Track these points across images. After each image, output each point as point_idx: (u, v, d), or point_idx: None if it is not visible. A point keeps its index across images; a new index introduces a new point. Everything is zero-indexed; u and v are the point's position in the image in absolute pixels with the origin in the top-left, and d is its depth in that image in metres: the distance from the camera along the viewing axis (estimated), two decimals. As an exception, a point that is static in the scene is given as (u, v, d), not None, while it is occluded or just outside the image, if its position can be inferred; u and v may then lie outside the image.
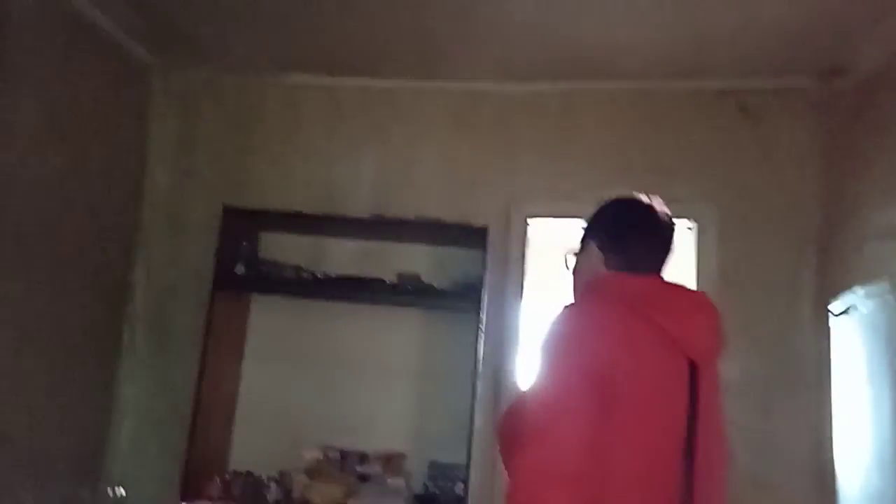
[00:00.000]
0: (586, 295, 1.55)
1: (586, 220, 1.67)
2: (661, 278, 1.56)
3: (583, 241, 1.65)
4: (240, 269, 3.35)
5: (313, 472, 3.09)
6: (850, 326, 1.89)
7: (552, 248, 3.54)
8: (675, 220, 1.61)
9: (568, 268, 1.67)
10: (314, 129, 3.74)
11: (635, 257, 1.55)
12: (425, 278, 3.36)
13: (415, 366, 3.44)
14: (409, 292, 3.31)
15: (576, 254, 1.66)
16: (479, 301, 3.18)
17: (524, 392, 1.43)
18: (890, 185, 2.71)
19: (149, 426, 3.53)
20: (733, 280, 3.24)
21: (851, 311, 1.88)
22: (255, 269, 3.41)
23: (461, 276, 3.34)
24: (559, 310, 1.44)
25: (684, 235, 3.36)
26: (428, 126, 3.67)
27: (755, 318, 3.21)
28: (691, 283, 3.27)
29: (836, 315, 1.97)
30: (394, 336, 3.47)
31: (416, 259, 3.50)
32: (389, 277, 3.36)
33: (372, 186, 3.60)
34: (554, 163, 3.52)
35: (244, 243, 3.46)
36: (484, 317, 3.20)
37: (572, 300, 1.60)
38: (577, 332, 1.39)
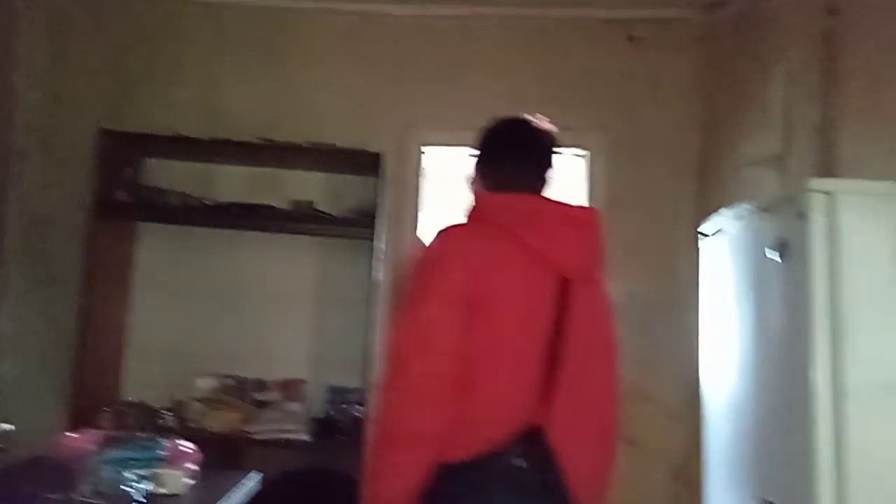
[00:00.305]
0: (466, 218, 1.57)
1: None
2: (540, 196, 1.58)
3: (472, 160, 1.66)
4: (122, 195, 3.20)
5: (209, 400, 3.06)
6: (718, 247, 2.01)
7: (448, 176, 3.58)
8: (556, 138, 1.63)
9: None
10: (199, 50, 3.56)
11: (510, 175, 1.58)
12: (319, 205, 3.32)
13: (310, 293, 3.43)
14: (302, 219, 3.27)
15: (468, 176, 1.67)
16: (373, 228, 3.17)
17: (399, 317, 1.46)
18: (763, 117, 2.86)
19: (34, 361, 3.36)
20: (621, 205, 3.37)
21: (720, 233, 2.00)
22: (139, 197, 3.26)
23: (356, 203, 3.31)
24: (432, 235, 1.49)
25: (576, 163, 3.45)
26: (320, 48, 3.55)
27: (640, 242, 3.37)
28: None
29: (707, 236, 2.10)
30: (288, 264, 3.43)
31: (310, 186, 3.44)
32: (282, 204, 3.29)
33: (262, 110, 3.48)
34: (449, 90, 3.50)
35: (126, 169, 3.29)
36: (380, 244, 3.20)
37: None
38: (440, 257, 1.45)
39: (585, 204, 3.39)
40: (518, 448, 1.38)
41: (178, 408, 3.08)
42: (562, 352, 1.44)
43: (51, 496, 1.51)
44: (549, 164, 1.62)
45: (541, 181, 1.61)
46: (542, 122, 1.65)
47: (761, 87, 2.89)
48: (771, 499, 1.63)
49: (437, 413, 1.37)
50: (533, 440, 1.39)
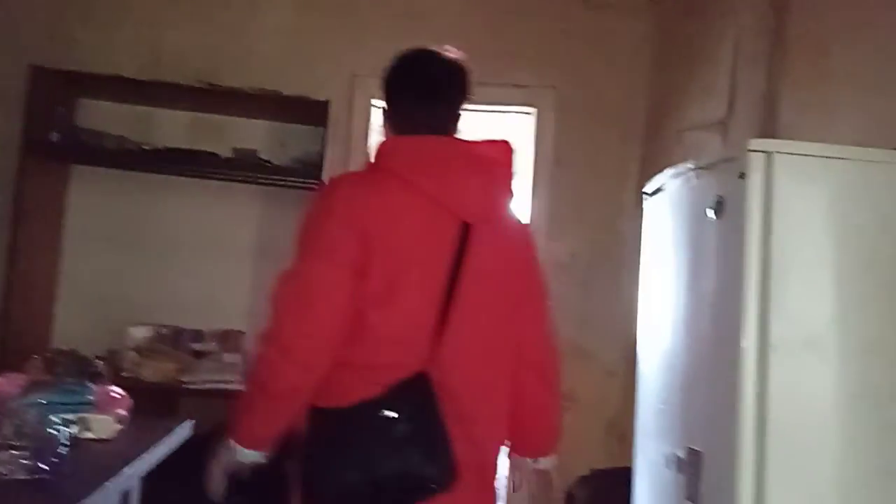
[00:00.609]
0: (367, 166, 1.50)
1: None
2: (445, 137, 1.49)
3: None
4: (54, 136, 3.07)
5: (144, 349, 2.99)
6: (659, 206, 2.04)
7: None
8: (466, 70, 1.52)
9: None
10: (141, -13, 3.41)
11: (412, 116, 1.49)
12: (263, 154, 3.24)
13: (252, 243, 3.36)
14: (244, 168, 3.19)
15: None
16: (319, 179, 3.11)
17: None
18: (708, 82, 2.88)
19: (-44, 307, 3.24)
20: (567, 164, 3.38)
21: (661, 192, 2.02)
22: (73, 138, 3.14)
23: (301, 153, 3.25)
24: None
25: (524, 120, 3.44)
26: (268, -8, 3.44)
27: (585, 201, 3.40)
28: (528, 166, 3.38)
29: (648, 195, 2.12)
30: (229, 213, 3.35)
31: (254, 133, 3.36)
32: (224, 152, 3.20)
33: (205, 54, 3.36)
34: (399, 41, 3.39)
35: (59, 109, 3.15)
36: (324, 195, 3.14)
37: None
38: (326, 211, 1.40)
39: (531, 159, 3.39)
40: (393, 398, 1.35)
41: (111, 357, 3.01)
42: (456, 296, 1.40)
43: (-30, 437, 1.45)
44: (456, 100, 1.52)
45: (450, 120, 1.51)
46: (449, 53, 1.54)
47: (709, 52, 2.91)
48: (696, 447, 1.67)
49: (308, 372, 1.36)
50: (413, 388, 1.36)
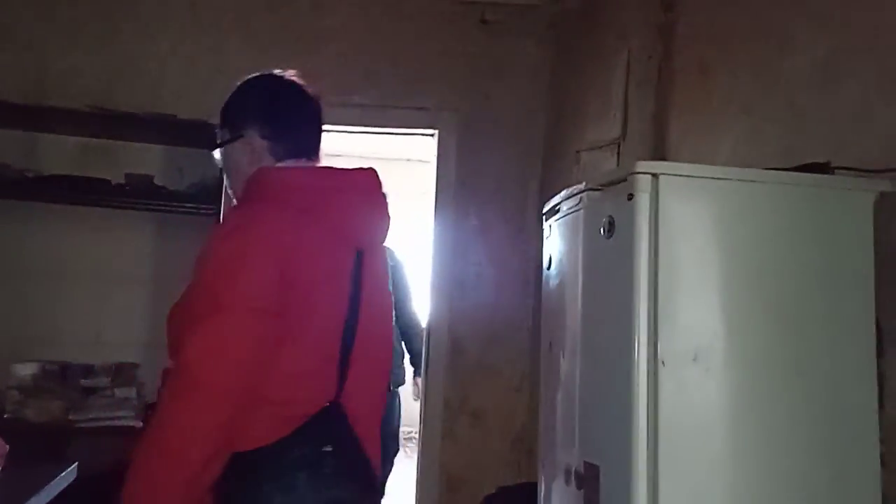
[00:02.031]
0: (254, 196, 1.41)
1: (232, 104, 1.54)
2: (326, 165, 1.51)
3: (233, 128, 1.49)
4: (-71, 165, 2.88)
5: (28, 388, 2.81)
6: (555, 225, 2.08)
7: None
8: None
9: (218, 164, 1.53)
10: (22, 7, 3.25)
11: (300, 142, 1.48)
12: (158, 180, 3.13)
13: (146, 272, 3.24)
14: (139, 195, 3.07)
15: (221, 143, 1.50)
16: (218, 205, 3.03)
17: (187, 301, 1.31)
18: (603, 103, 2.98)
19: None
20: (471, 186, 3.42)
21: (557, 212, 2.06)
22: (-51, 165, 2.95)
23: (198, 178, 3.15)
24: (224, 220, 1.42)
25: (426, 142, 3.46)
26: (162, 14, 3.34)
27: (489, 223, 3.44)
28: (431, 188, 3.41)
29: (546, 215, 2.16)
30: (122, 241, 3.23)
31: (148, 159, 3.25)
32: (117, 178, 3.08)
33: (95, 77, 3.24)
34: (302, 63, 3.37)
35: (-68, 135, 2.96)
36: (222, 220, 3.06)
37: (235, 203, 1.50)
38: (244, 251, 1.29)
39: (433, 181, 3.41)
40: (314, 431, 1.32)
41: (-8, 397, 2.82)
42: (355, 325, 1.40)
43: None
44: (322, 128, 1.54)
45: (319, 146, 1.53)
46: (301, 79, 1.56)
47: (604, 75, 3.01)
48: (593, 461, 1.70)
49: (223, 416, 1.25)
50: (331, 419, 1.35)
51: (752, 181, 1.72)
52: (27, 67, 3.21)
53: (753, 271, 1.67)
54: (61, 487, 1.79)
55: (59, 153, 3.18)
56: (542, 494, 2.04)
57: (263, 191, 1.40)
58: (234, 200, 1.52)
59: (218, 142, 1.51)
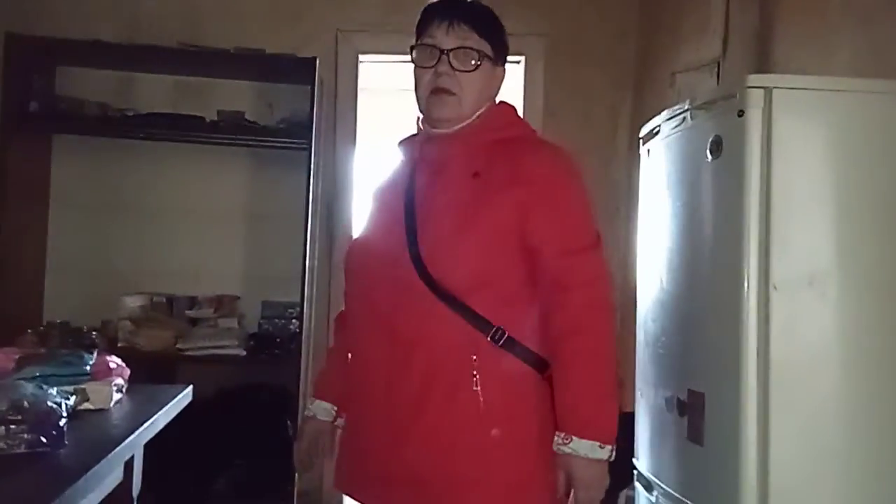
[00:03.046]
0: (529, 132, 1.54)
1: (501, 30, 1.47)
2: None
3: (500, 53, 1.47)
4: (33, 106, 3.00)
5: (139, 319, 2.97)
6: (654, 149, 2.00)
7: (387, 90, 3.46)
8: None
9: (467, 65, 1.41)
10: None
11: None
12: (249, 115, 3.18)
13: (242, 207, 3.32)
14: (231, 130, 3.13)
15: (479, 61, 1.42)
16: (309, 139, 3.06)
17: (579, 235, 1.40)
18: (700, 22, 2.82)
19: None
20: (558, 113, 3.33)
21: (657, 135, 1.98)
22: (53, 107, 3.06)
23: (289, 113, 3.18)
24: (558, 150, 1.49)
25: (512, 69, 3.37)
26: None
27: (577, 150, 3.32)
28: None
29: (643, 139, 2.08)
30: (218, 177, 3.31)
31: (239, 95, 3.29)
32: (209, 115, 3.14)
33: (185, 14, 3.27)
34: (384, -2, 3.34)
35: (38, 78, 3.07)
36: (314, 156, 3.09)
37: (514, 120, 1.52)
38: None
39: (521, 108, 3.34)
40: None
41: (105, 327, 2.99)
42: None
43: (-35, 413, 1.43)
44: None
45: None
46: None
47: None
48: (698, 388, 1.67)
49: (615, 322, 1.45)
50: None
51: (873, 92, 1.60)
52: (121, 7, 3.27)
53: (872, 190, 1.57)
54: (182, 406, 1.89)
55: (154, 91, 3.25)
56: (641, 423, 2.03)
57: (529, 128, 1.56)
58: (450, 120, 1.44)
59: (488, 57, 1.43)
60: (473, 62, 1.41)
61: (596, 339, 1.35)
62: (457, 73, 1.40)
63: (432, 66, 1.42)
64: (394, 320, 1.38)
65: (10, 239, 2.95)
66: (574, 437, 1.30)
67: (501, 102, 1.52)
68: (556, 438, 1.32)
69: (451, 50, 1.40)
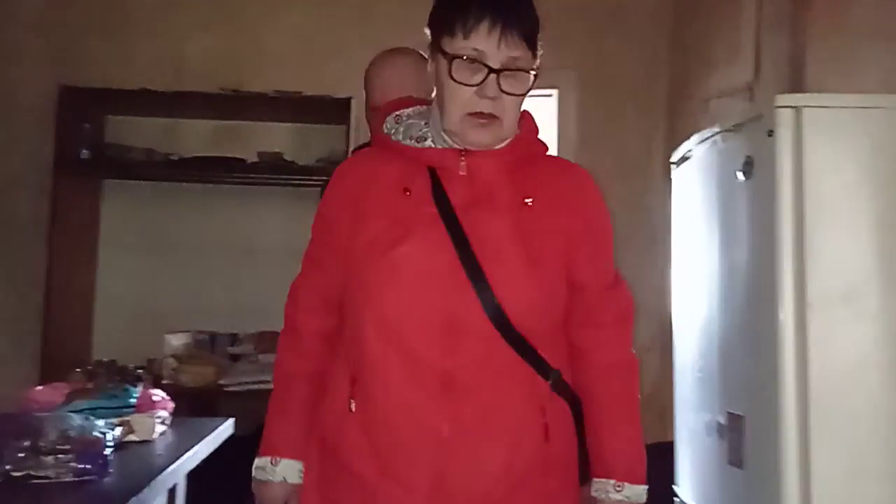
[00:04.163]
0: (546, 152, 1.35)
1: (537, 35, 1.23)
2: None
3: (535, 62, 1.23)
4: (84, 153, 3.13)
5: (182, 356, 3.03)
6: (687, 173, 2.00)
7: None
8: None
9: (519, 88, 1.19)
10: (154, 1, 3.46)
11: None
12: (288, 156, 3.26)
13: (282, 244, 3.36)
14: (270, 171, 3.21)
15: (532, 84, 1.22)
16: (344, 176, 3.11)
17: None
18: (731, 47, 2.83)
19: (1, 327, 3.31)
20: (592, 144, 3.34)
21: (689, 159, 1.98)
22: (102, 153, 3.20)
23: (326, 152, 3.26)
24: (584, 170, 1.32)
25: (545, 103, 3.41)
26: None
27: (612, 181, 3.33)
28: (553, 148, 3.36)
29: (676, 164, 2.09)
30: (258, 216, 3.38)
31: (277, 136, 3.39)
32: (249, 156, 3.23)
33: (224, 61, 3.39)
34: (415, 31, 3.41)
35: (87, 126, 3.21)
36: (350, 192, 3.14)
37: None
38: None
39: (555, 141, 3.36)
40: None
41: (150, 365, 3.05)
42: None
43: (17, 444, 1.48)
44: None
45: None
46: None
47: (731, 15, 2.86)
48: (737, 411, 1.64)
49: None
50: None
51: (907, 109, 1.59)
52: (165, 57, 3.41)
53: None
54: (223, 438, 1.92)
55: (197, 135, 3.37)
56: (681, 448, 1.99)
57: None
58: (490, 145, 1.23)
59: (535, 70, 1.21)
60: (526, 86, 1.20)
61: (636, 377, 1.29)
62: (504, 95, 1.18)
63: (476, 85, 1.17)
64: (447, 365, 1.16)
65: (60, 280, 3.05)
66: (626, 484, 1.22)
67: (524, 111, 1.29)
68: (601, 485, 1.23)
69: (503, 70, 1.16)
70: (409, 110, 1.32)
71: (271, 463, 1.27)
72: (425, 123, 1.28)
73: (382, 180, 1.24)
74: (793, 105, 1.55)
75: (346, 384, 1.23)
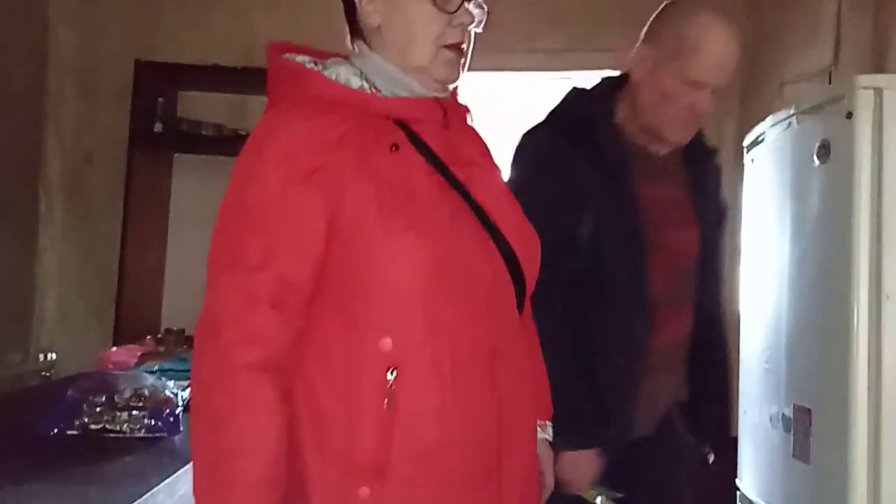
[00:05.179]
0: None
1: None
2: None
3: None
4: (157, 127, 3.23)
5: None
6: (759, 157, 1.95)
7: (488, 105, 3.50)
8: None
9: (481, 18, 1.14)
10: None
11: None
12: (354, 134, 3.30)
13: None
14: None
15: None
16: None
17: None
18: (810, 31, 2.73)
19: (75, 293, 3.46)
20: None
21: (762, 142, 1.93)
22: (175, 128, 3.29)
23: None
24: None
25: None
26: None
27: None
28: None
29: (747, 148, 2.03)
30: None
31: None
32: (317, 134, 3.28)
33: (292, 39, 3.43)
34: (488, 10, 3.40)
35: (161, 100, 3.31)
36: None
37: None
38: None
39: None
40: None
41: (217, 335, 3.14)
42: None
43: (95, 399, 1.55)
44: None
45: None
46: None
47: (810, 1, 2.76)
48: (805, 404, 1.60)
49: None
50: None
51: None
52: (236, 34, 3.48)
53: None
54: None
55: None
56: (744, 442, 1.96)
57: None
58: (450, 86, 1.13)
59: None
60: (483, 17, 1.11)
61: None
62: (469, 26, 1.10)
63: (453, 12, 1.07)
64: (496, 369, 1.04)
65: (133, 251, 3.17)
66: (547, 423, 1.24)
67: None
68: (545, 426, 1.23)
69: None
70: (329, 60, 1.16)
71: None
72: (354, 74, 1.10)
73: (352, 138, 1.02)
74: (874, 86, 1.49)
75: (373, 384, 0.98)
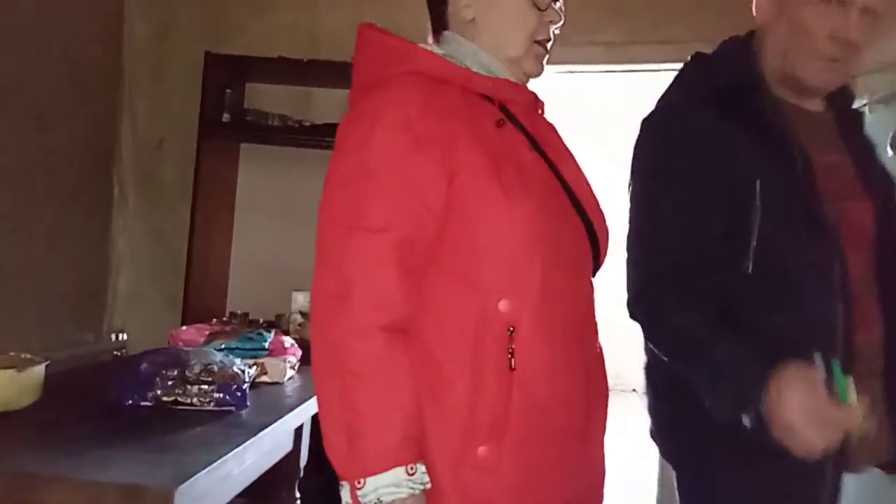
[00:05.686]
0: None
1: None
2: None
3: None
4: (225, 117, 3.33)
5: (307, 312, 3.18)
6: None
7: (550, 100, 3.49)
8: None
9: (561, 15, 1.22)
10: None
11: None
12: (414, 125, 3.34)
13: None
14: (398, 139, 3.29)
15: None
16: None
17: None
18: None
19: (146, 276, 3.60)
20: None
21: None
22: (242, 118, 3.38)
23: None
24: None
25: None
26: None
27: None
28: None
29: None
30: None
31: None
32: (380, 125, 3.32)
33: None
34: None
35: (229, 91, 3.41)
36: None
37: None
38: None
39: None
40: None
41: (278, 320, 3.23)
42: None
43: (167, 373, 1.62)
44: None
45: None
46: None
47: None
48: None
49: None
50: None
51: None
52: (301, 28, 3.55)
53: None
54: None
55: (328, 103, 3.49)
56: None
57: None
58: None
59: None
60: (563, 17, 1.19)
61: None
62: (555, 25, 1.19)
63: (544, 10, 1.16)
64: (586, 333, 1.13)
65: (201, 236, 3.27)
66: None
67: None
68: None
69: None
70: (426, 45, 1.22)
71: (407, 472, 0.97)
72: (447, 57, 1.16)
73: (461, 111, 1.08)
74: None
75: (494, 343, 1.03)
